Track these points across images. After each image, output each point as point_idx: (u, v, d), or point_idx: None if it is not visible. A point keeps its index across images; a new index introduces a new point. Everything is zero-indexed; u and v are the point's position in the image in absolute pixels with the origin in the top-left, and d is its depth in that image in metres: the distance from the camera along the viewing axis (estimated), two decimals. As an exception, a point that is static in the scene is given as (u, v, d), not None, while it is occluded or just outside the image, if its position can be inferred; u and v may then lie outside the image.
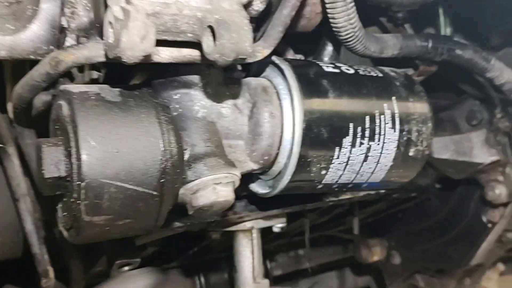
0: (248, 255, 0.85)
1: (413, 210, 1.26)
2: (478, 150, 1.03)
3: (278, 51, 0.86)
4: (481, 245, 1.17)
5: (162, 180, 0.52)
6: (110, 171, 0.49)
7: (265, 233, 0.88)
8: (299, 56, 0.90)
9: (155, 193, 0.52)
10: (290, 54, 0.89)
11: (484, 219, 1.15)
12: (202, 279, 1.13)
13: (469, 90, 1.06)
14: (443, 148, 1.04)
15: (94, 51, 0.52)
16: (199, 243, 1.00)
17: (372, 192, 0.91)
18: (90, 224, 0.50)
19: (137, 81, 0.64)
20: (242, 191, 0.76)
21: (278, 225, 0.87)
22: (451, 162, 1.04)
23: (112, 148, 0.49)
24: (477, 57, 0.93)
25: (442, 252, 1.23)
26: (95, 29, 0.61)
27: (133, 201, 0.51)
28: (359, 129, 0.67)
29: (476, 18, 1.09)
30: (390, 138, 0.69)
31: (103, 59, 0.52)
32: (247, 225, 0.84)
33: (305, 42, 0.89)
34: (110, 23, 0.46)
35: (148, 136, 0.52)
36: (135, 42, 0.45)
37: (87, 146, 0.48)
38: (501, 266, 1.67)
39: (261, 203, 0.81)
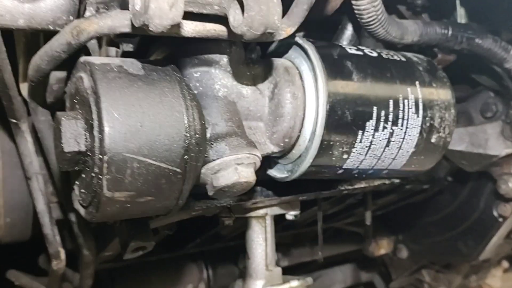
0: (261, 242, 0.83)
1: (422, 204, 1.25)
2: (494, 142, 1.01)
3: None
4: (491, 239, 1.16)
5: (186, 157, 0.50)
6: (133, 145, 0.47)
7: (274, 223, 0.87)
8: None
9: (178, 170, 0.50)
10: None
11: (495, 213, 1.14)
12: (210, 268, 1.11)
13: (485, 82, 1.05)
14: (458, 140, 1.02)
15: (118, 21, 0.50)
16: (209, 231, 0.98)
17: (387, 182, 0.90)
18: (111, 200, 0.48)
19: (157, 56, 0.62)
20: (258, 176, 0.74)
21: (291, 212, 0.85)
22: (466, 154, 1.03)
23: (135, 121, 0.48)
24: (496, 47, 0.92)
25: (451, 246, 1.22)
26: (115, 1, 0.59)
27: (156, 178, 0.49)
28: (382, 113, 0.65)
29: (489, 13, 1.07)
30: (413, 124, 0.68)
31: (127, 29, 0.50)
32: (261, 212, 0.82)
33: (318, 32, 0.87)
34: (138, -11, 0.44)
35: (172, 110, 0.50)
36: (164, 9, 0.43)
37: (110, 118, 0.46)
38: (505, 264, 1.66)
39: (276, 190, 0.79)
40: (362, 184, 0.88)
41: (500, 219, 1.13)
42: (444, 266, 1.40)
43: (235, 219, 0.86)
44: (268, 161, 0.72)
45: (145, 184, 0.49)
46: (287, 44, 0.68)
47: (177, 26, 0.51)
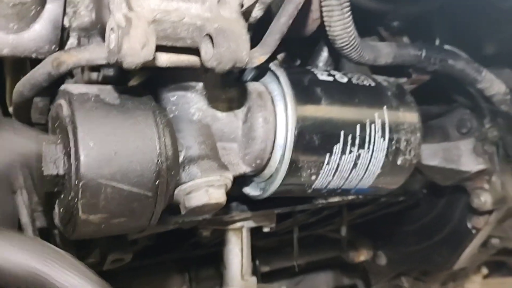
0: (237, 253, 0.87)
1: (400, 213, 1.29)
2: (466, 158, 1.05)
3: (274, 55, 0.89)
4: (465, 250, 1.20)
5: (157, 182, 0.54)
6: (107, 171, 0.51)
7: (255, 230, 0.91)
8: (296, 61, 0.92)
9: (149, 194, 0.54)
10: (286, 59, 0.91)
11: (469, 225, 1.18)
12: (192, 273, 1.15)
13: (460, 100, 1.09)
14: (432, 155, 1.06)
15: (95, 54, 0.53)
16: (190, 239, 1.02)
17: (361, 196, 0.94)
18: (86, 222, 0.52)
19: (135, 82, 0.65)
20: (235, 192, 0.78)
21: (267, 225, 0.89)
22: (439, 169, 1.07)
23: (109, 149, 0.51)
24: (469, 68, 0.95)
25: (427, 256, 1.27)
26: (96, 29, 0.62)
27: (128, 201, 0.53)
28: (349, 137, 0.69)
29: (471, 27, 1.11)
30: (380, 147, 0.72)
31: (103, 62, 0.53)
32: (238, 224, 0.86)
33: (302, 46, 0.91)
34: (112, 29, 0.48)
35: (144, 138, 0.53)
36: (136, 49, 0.47)
37: (85, 147, 0.50)
38: (484, 270, 1.71)
39: (252, 203, 0.83)
40: (337, 198, 0.92)
41: (474, 231, 1.18)
42: (422, 273, 1.44)
43: (213, 230, 0.90)
44: (244, 178, 0.76)
45: (118, 207, 0.53)
46: (262, 68, 0.72)
47: (154, 56, 0.54)
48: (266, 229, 0.90)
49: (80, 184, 0.50)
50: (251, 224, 0.87)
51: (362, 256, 1.39)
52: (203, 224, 0.85)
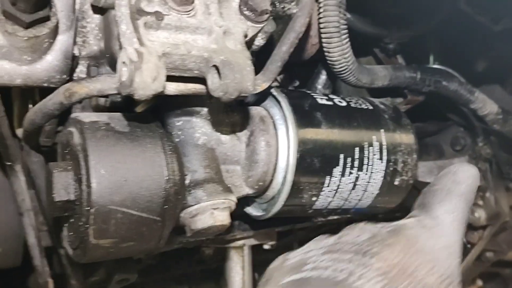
0: (239, 271, 0.89)
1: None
2: (460, 175, 1.08)
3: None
4: (461, 264, 1.22)
5: (165, 207, 0.56)
6: (117, 198, 0.53)
7: (256, 246, 0.93)
8: (295, 80, 0.95)
9: (158, 218, 0.56)
10: (287, 80, 0.93)
11: (464, 240, 1.20)
12: (193, 289, 1.16)
13: (454, 118, 1.12)
14: (428, 173, 1.09)
15: (106, 85, 0.55)
16: (192, 256, 1.03)
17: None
18: (96, 246, 0.54)
19: (142, 107, 0.67)
20: (237, 211, 0.80)
21: (268, 242, 0.91)
22: (435, 186, 1.09)
23: (120, 176, 0.53)
24: (462, 89, 0.99)
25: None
26: (105, 58, 0.65)
27: (137, 226, 0.55)
28: (348, 159, 0.71)
29: (463, 46, 1.15)
30: (378, 168, 0.74)
31: (115, 92, 0.55)
32: (239, 242, 0.88)
33: (301, 68, 0.94)
34: (124, 63, 0.50)
35: (153, 165, 0.55)
36: (147, 83, 0.49)
37: (97, 175, 0.52)
38: (479, 282, 1.74)
39: (253, 222, 0.85)
40: (336, 216, 0.94)
41: (468, 246, 1.20)
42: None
43: (215, 248, 0.92)
44: (246, 199, 0.78)
45: (128, 231, 0.54)
46: (265, 93, 0.74)
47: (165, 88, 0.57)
48: (266, 247, 0.92)
49: (92, 211, 0.52)
50: (252, 242, 0.89)
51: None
52: (206, 243, 0.86)
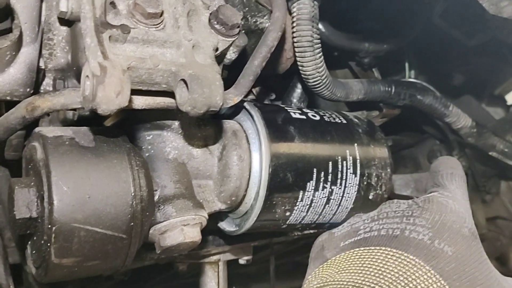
0: (213, 286, 0.87)
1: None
2: (436, 188, 1.09)
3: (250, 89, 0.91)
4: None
5: (132, 224, 0.55)
6: (80, 215, 0.51)
7: (236, 261, 0.91)
8: (271, 93, 0.94)
9: (124, 236, 0.54)
10: (263, 93, 0.93)
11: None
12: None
13: (430, 131, 1.13)
14: (404, 186, 1.10)
15: (70, 99, 0.54)
16: (166, 272, 1.01)
17: (336, 227, 0.95)
18: (58, 266, 0.52)
19: (111, 121, 0.66)
20: (210, 226, 0.79)
21: (244, 257, 0.90)
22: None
23: (83, 193, 0.52)
24: (437, 103, 1.00)
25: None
26: (72, 71, 0.63)
27: (102, 244, 0.53)
28: (322, 174, 0.71)
29: (440, 60, 1.17)
30: (351, 183, 0.74)
31: (78, 106, 0.54)
32: (214, 258, 0.86)
33: (277, 80, 0.94)
34: (87, 76, 0.49)
35: (119, 181, 0.54)
36: (110, 97, 0.48)
37: (59, 192, 0.50)
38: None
39: (228, 236, 0.83)
40: (312, 230, 0.93)
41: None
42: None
43: (190, 264, 0.90)
44: (220, 213, 0.77)
45: (92, 250, 0.53)
46: (238, 107, 0.74)
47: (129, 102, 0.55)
48: (242, 262, 0.90)
49: (53, 229, 0.50)
50: (227, 257, 0.87)
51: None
52: (180, 258, 0.85)
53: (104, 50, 0.50)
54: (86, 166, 0.53)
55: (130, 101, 0.57)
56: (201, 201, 0.67)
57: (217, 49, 0.62)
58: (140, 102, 0.58)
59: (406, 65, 1.10)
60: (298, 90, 0.89)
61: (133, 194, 0.54)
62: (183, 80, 0.55)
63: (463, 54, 1.14)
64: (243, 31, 0.70)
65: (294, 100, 0.89)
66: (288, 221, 0.72)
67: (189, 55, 0.58)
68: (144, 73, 0.54)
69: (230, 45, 0.65)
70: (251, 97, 0.90)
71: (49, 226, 0.50)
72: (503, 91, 1.43)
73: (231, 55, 0.68)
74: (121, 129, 0.61)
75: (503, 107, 1.31)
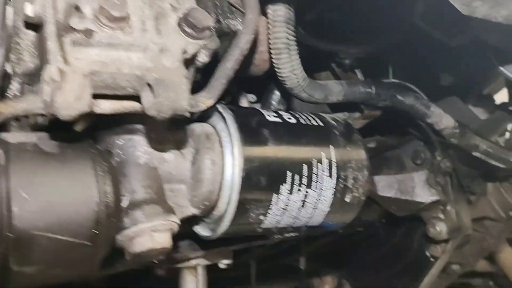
0: (193, 292, 0.86)
1: (363, 242, 1.31)
2: (420, 189, 1.08)
3: (229, 90, 0.90)
4: (425, 278, 1.22)
5: (96, 231, 0.54)
6: (42, 223, 0.50)
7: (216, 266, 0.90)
8: (251, 96, 0.94)
9: (88, 243, 0.53)
10: (242, 95, 0.92)
11: (428, 253, 1.20)
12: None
13: (414, 132, 1.13)
14: (387, 187, 1.09)
15: (32, 104, 0.53)
16: (145, 278, 1.00)
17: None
18: (19, 274, 0.51)
19: (80, 126, 0.65)
20: (187, 230, 0.78)
21: (223, 261, 0.89)
22: (394, 200, 1.09)
23: (45, 200, 0.51)
24: (418, 104, 0.99)
25: (389, 284, 1.28)
26: (40, 76, 0.62)
27: (66, 252, 0.52)
28: (296, 176, 0.70)
29: (424, 63, 1.16)
30: (327, 185, 0.73)
31: (41, 111, 0.53)
32: (192, 262, 0.85)
33: (256, 83, 0.93)
34: (47, 82, 0.48)
35: (83, 188, 0.53)
36: (69, 103, 0.47)
37: (18, 199, 0.50)
38: (450, 294, 1.74)
39: (207, 241, 0.83)
40: (292, 234, 0.93)
41: (432, 259, 1.20)
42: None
43: (168, 269, 0.89)
44: (195, 218, 0.76)
45: (55, 258, 0.52)
46: (211, 110, 0.73)
47: (91, 107, 0.55)
48: (222, 266, 0.89)
49: (13, 237, 0.49)
50: (206, 261, 0.87)
51: (327, 285, 1.39)
52: (157, 264, 0.84)
53: (65, 54, 0.50)
54: (49, 173, 0.52)
55: (96, 105, 0.56)
56: (173, 206, 0.66)
57: (186, 52, 0.61)
58: (107, 106, 0.57)
59: (390, 66, 1.10)
60: (277, 92, 0.89)
61: (97, 200, 0.54)
62: (149, 84, 0.55)
63: (448, 56, 1.14)
64: (216, 34, 0.69)
65: (274, 103, 0.89)
66: (263, 225, 0.71)
67: (156, 58, 0.57)
68: (108, 77, 0.53)
69: (201, 48, 0.64)
70: (229, 100, 0.89)
71: (8, 234, 0.50)
72: (492, 91, 1.43)
73: (203, 58, 0.67)
74: (88, 135, 0.60)
75: (489, 108, 1.30)
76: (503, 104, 1.29)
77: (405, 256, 1.24)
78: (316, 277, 1.37)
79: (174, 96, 0.54)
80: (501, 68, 0.94)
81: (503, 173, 1.21)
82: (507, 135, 1.20)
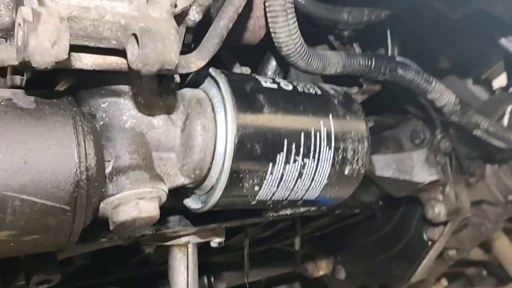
0: (182, 271, 0.82)
1: (358, 225, 1.28)
2: (419, 169, 1.05)
3: (223, 62, 0.85)
4: (422, 262, 1.19)
5: (75, 194, 0.49)
6: (15, 183, 0.46)
7: (208, 246, 0.86)
8: (245, 69, 0.89)
9: (67, 207, 0.49)
10: (236, 67, 0.88)
11: (425, 236, 1.17)
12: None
13: (413, 111, 1.09)
14: (385, 166, 1.05)
15: (5, 54, 0.48)
16: (133, 257, 0.96)
17: (313, 208, 0.91)
18: (-10, 240, 0.46)
19: (61, 87, 0.60)
20: (177, 205, 0.74)
21: (216, 240, 0.85)
22: (393, 180, 1.06)
23: (18, 158, 0.46)
24: (419, 79, 0.95)
25: (385, 268, 1.25)
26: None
27: (41, 216, 0.48)
28: (293, 145, 0.66)
29: (426, 41, 1.12)
30: (325, 156, 0.69)
31: (15, 62, 0.48)
32: (183, 240, 0.81)
33: (253, 54, 0.89)
34: (20, 24, 0.43)
35: (61, 146, 0.48)
36: (44, 47, 0.42)
37: (-11, 156, 0.45)
38: (444, 282, 1.72)
39: (198, 218, 0.79)
40: (288, 211, 0.89)
41: (429, 243, 1.17)
42: (382, 287, 1.42)
43: (158, 247, 0.84)
44: (185, 190, 0.71)
45: (29, 222, 0.47)
46: (204, 74, 0.68)
47: (70, 59, 0.50)
48: (214, 244, 0.85)
49: (-18, 197, 0.44)
50: (197, 239, 0.82)
51: (322, 270, 1.36)
52: (145, 240, 0.79)
53: (40, -4, 0.45)
54: (23, 129, 0.47)
55: (77, 59, 0.51)
56: (162, 174, 0.62)
57: (176, 6, 0.57)
58: (89, 61, 0.52)
59: (389, 41, 1.05)
60: (273, 62, 0.84)
61: (77, 161, 0.49)
62: (134, 34, 0.50)
63: (449, 34, 1.10)
64: (208, -10, 0.64)
65: (269, 73, 0.84)
66: (258, 196, 0.67)
67: (142, 9, 0.52)
68: (89, 25, 0.49)
69: (192, 2, 0.59)
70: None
71: (-22, 194, 0.45)
72: (491, 76, 1.39)
73: (194, 16, 0.62)
74: (68, 93, 0.55)
75: (488, 91, 1.27)
76: (503, 88, 1.26)
77: (402, 240, 1.21)
78: (311, 263, 1.34)
79: (161, 47, 0.49)
80: (503, 40, 0.90)
81: (502, 154, 1.18)
82: (507, 117, 1.18)
